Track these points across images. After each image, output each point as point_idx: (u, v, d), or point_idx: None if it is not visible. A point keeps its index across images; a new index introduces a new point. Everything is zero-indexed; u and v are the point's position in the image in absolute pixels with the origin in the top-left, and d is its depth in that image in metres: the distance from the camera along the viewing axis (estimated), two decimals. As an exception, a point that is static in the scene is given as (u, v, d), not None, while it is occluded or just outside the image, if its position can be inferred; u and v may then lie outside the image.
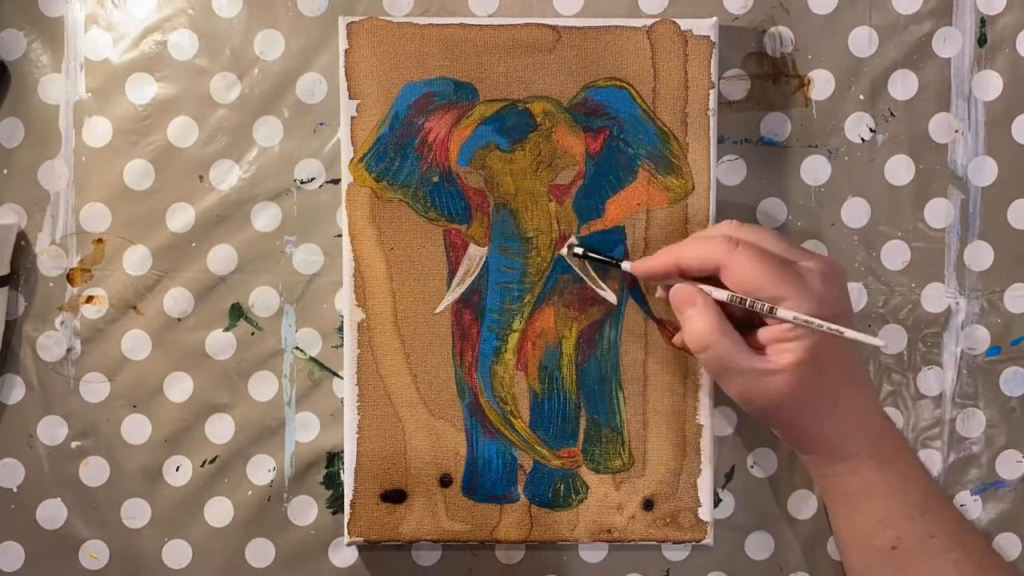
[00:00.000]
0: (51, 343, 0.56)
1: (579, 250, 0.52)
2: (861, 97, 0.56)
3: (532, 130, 0.53)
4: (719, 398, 0.55)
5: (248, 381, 0.56)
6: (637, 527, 0.54)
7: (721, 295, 0.46)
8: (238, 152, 0.56)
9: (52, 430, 0.56)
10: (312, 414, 0.56)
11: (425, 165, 0.53)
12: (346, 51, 0.53)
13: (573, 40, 0.53)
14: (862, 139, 0.56)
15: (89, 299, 0.56)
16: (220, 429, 0.56)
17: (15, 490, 0.56)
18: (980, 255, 0.56)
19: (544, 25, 0.53)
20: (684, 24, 0.53)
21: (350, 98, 0.53)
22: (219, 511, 0.56)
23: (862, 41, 0.56)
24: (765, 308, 0.44)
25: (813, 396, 0.45)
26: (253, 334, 0.56)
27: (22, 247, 0.56)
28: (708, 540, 0.55)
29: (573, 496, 0.54)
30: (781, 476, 0.56)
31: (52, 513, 0.56)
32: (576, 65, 0.53)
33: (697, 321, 0.45)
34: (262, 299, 0.56)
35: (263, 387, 0.56)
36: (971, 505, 0.57)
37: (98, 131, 0.55)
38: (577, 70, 0.53)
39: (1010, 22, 0.56)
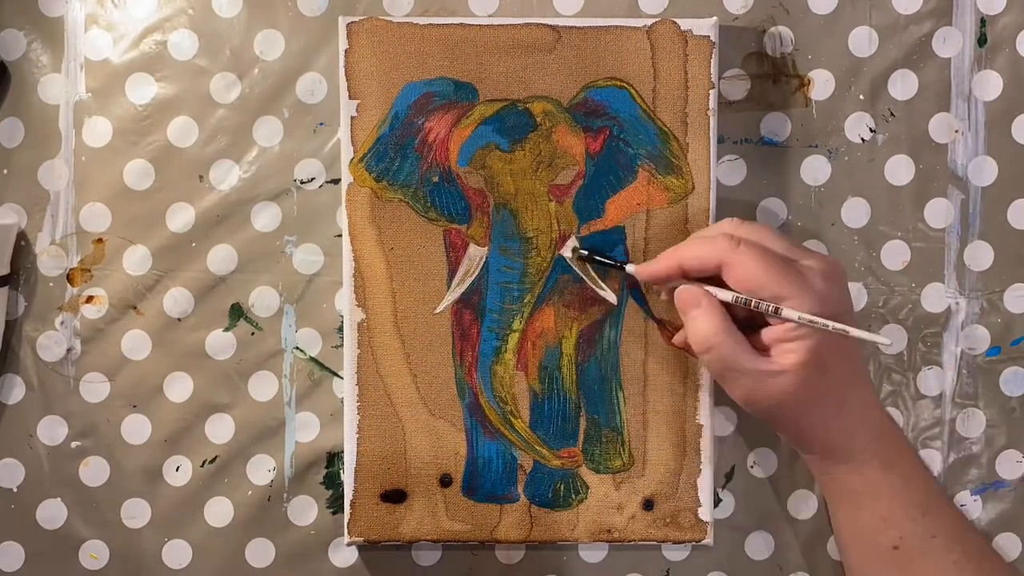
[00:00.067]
0: (51, 343, 0.56)
1: (584, 252, 0.52)
2: (861, 97, 0.56)
3: (532, 130, 0.53)
4: (719, 398, 0.55)
5: (248, 381, 0.56)
6: (637, 527, 0.54)
7: (726, 296, 0.46)
8: (238, 152, 0.56)
9: (52, 430, 0.56)
10: (312, 414, 0.56)
11: (425, 165, 0.53)
12: (346, 51, 0.53)
13: (573, 40, 0.53)
14: (862, 139, 0.56)
15: (89, 299, 0.56)
16: (220, 429, 0.56)
17: (15, 490, 0.56)
18: (980, 255, 0.56)
19: (544, 25, 0.53)
20: (684, 24, 0.53)
21: (350, 98, 0.53)
22: (219, 511, 0.56)
23: (862, 41, 0.56)
24: (770, 308, 0.44)
25: (818, 396, 0.45)
26: (253, 334, 0.56)
27: (22, 247, 0.56)
28: (708, 540, 0.55)
29: (573, 496, 0.54)
30: (781, 476, 0.56)
31: (52, 513, 0.56)
32: (576, 65, 0.53)
33: (701, 322, 0.45)
34: (262, 299, 0.56)
35: (263, 387, 0.56)
36: (971, 505, 0.57)
37: (98, 131, 0.55)
38: (577, 70, 0.53)
39: (1010, 22, 0.56)
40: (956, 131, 0.56)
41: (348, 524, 0.54)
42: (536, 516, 0.54)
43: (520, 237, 0.53)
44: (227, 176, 0.56)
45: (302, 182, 0.56)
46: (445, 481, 0.54)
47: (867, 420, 0.46)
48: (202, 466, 0.56)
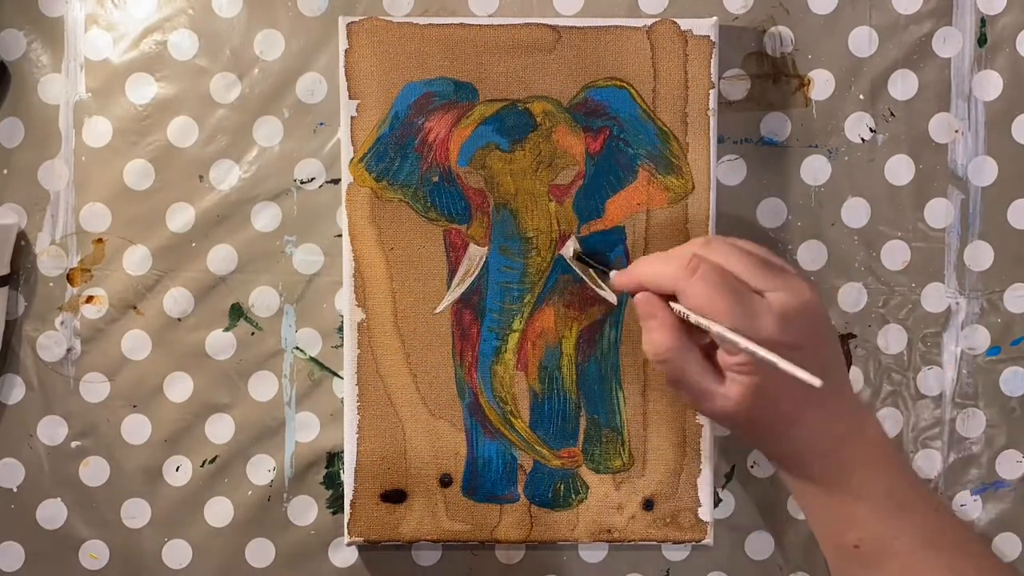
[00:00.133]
0: (51, 343, 0.56)
1: (581, 252, 0.52)
2: (861, 97, 0.56)
3: (532, 130, 0.53)
4: (719, 398, 0.55)
5: (248, 381, 0.56)
6: (637, 527, 0.54)
7: (679, 308, 0.45)
8: (238, 152, 0.56)
9: (52, 430, 0.56)
10: (312, 414, 0.56)
11: (425, 165, 0.53)
12: (346, 51, 0.53)
13: (573, 40, 0.53)
14: (862, 139, 0.56)
15: (89, 299, 0.56)
16: (220, 429, 0.56)
17: (15, 490, 0.56)
18: (980, 255, 0.56)
19: (544, 25, 0.53)
20: (684, 24, 0.53)
21: (350, 98, 0.53)
22: (219, 511, 0.56)
23: (862, 41, 0.56)
24: (717, 332, 0.43)
25: (765, 419, 0.45)
26: (253, 334, 0.56)
27: (22, 247, 0.56)
28: (708, 540, 0.55)
29: (573, 496, 0.54)
30: (782, 475, 0.56)
31: (52, 513, 0.56)
32: (576, 65, 0.53)
33: (656, 334, 0.45)
34: (262, 299, 0.56)
35: (263, 387, 0.56)
36: (971, 505, 0.57)
37: (98, 131, 0.55)
38: (577, 70, 0.53)
39: (1010, 22, 0.56)
40: (956, 131, 0.56)
41: (348, 524, 0.54)
42: (536, 516, 0.54)
43: (520, 237, 0.53)
44: (227, 176, 0.56)
45: (302, 182, 0.56)
46: (445, 481, 0.54)
47: (823, 434, 0.45)
48: (202, 466, 0.56)
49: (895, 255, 0.56)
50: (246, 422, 0.56)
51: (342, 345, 0.54)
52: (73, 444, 0.56)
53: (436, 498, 0.54)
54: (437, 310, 0.54)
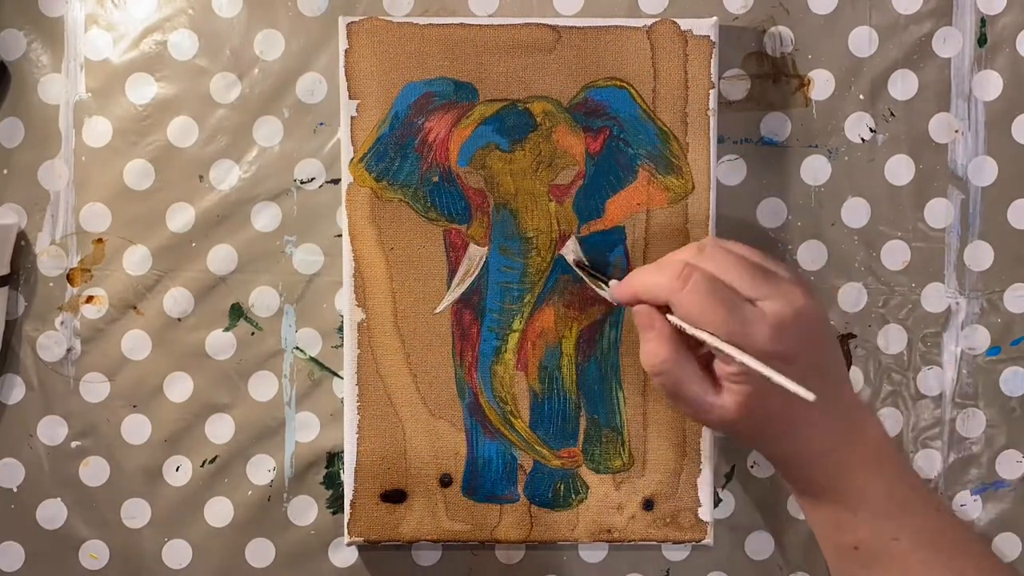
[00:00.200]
0: (51, 343, 0.56)
1: (582, 259, 0.53)
2: (861, 97, 0.56)
3: (532, 130, 0.53)
4: (719, 398, 0.55)
5: (248, 381, 0.56)
6: (637, 527, 0.54)
7: (677, 321, 0.45)
8: (238, 152, 0.56)
9: (52, 430, 0.56)
10: (312, 414, 0.56)
11: (425, 165, 0.53)
12: (346, 51, 0.53)
13: (573, 40, 0.53)
14: (862, 139, 0.56)
15: (89, 299, 0.56)
16: (220, 429, 0.56)
17: (15, 490, 0.56)
18: (980, 255, 0.56)
19: (544, 25, 0.53)
20: (684, 24, 0.53)
21: (350, 98, 0.53)
22: (219, 511, 0.56)
23: (862, 41, 0.56)
24: (713, 344, 0.43)
25: (763, 428, 0.45)
26: (253, 334, 0.56)
27: (22, 247, 0.56)
28: (708, 540, 0.55)
29: (573, 496, 0.54)
30: (781, 476, 0.56)
31: (52, 513, 0.56)
32: (576, 65, 0.53)
33: (652, 346, 0.45)
34: (262, 299, 0.56)
35: (263, 387, 0.56)
36: (971, 505, 0.57)
37: (98, 131, 0.55)
38: (577, 70, 0.53)
39: (1010, 22, 0.56)
40: (956, 131, 0.56)
41: (348, 524, 0.54)
42: (536, 516, 0.54)
43: (520, 237, 0.53)
44: (227, 176, 0.56)
45: (302, 182, 0.56)
46: (445, 481, 0.54)
47: (823, 435, 0.45)
48: (202, 466, 0.56)
49: (895, 255, 0.56)
50: (246, 422, 0.56)
51: (342, 345, 0.54)
52: (73, 444, 0.56)
53: (436, 498, 0.54)
54: (437, 310, 0.54)
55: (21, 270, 0.56)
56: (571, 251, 0.53)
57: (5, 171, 0.55)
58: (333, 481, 0.56)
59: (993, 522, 0.57)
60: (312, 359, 0.56)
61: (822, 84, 0.56)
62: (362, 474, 0.54)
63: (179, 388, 0.56)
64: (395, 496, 0.54)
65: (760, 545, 0.57)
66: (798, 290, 0.44)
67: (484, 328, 0.54)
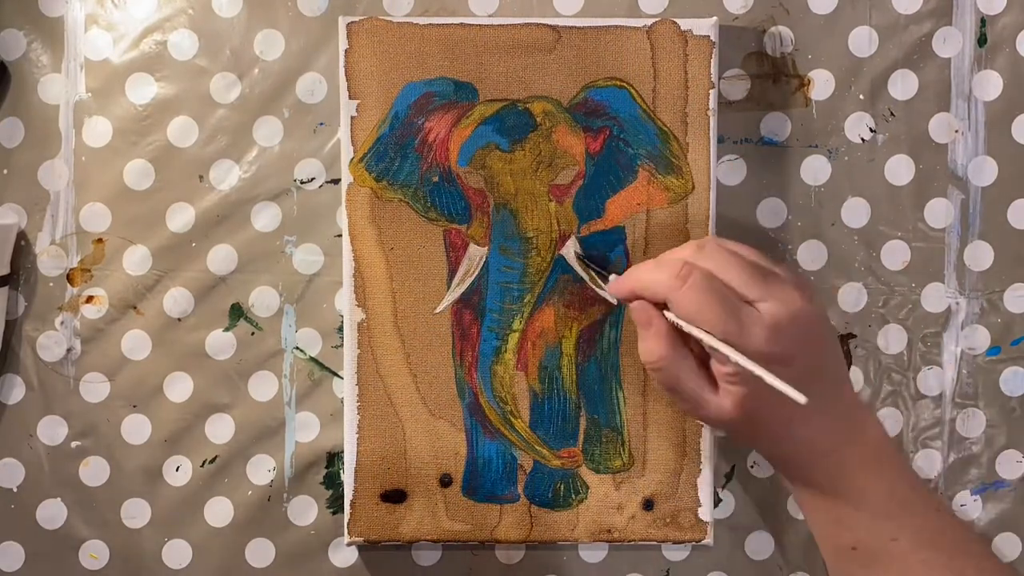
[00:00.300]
0: (51, 343, 0.56)
1: (582, 254, 0.52)
2: (861, 97, 0.56)
3: (532, 130, 0.53)
4: (719, 398, 0.55)
5: (248, 381, 0.56)
6: (637, 527, 0.54)
7: (674, 318, 0.45)
8: (238, 152, 0.56)
9: (52, 430, 0.56)
10: (312, 414, 0.56)
11: (425, 165, 0.53)
12: (346, 51, 0.53)
13: (573, 40, 0.53)
14: (862, 139, 0.56)
15: (89, 299, 0.56)
16: (220, 429, 0.56)
17: (15, 490, 0.56)
18: (980, 255, 0.56)
19: (544, 25, 0.53)
20: (684, 24, 0.53)
21: (350, 98, 0.53)
22: (219, 511, 0.56)
23: (862, 41, 0.56)
24: (710, 343, 0.43)
25: (760, 428, 0.45)
26: (253, 334, 0.56)
27: (22, 247, 0.56)
28: (708, 540, 0.55)
29: (573, 496, 0.54)
30: (781, 476, 0.56)
31: (52, 513, 0.56)
32: (576, 65, 0.53)
33: (650, 342, 0.45)
34: (262, 299, 0.56)
35: (263, 387, 0.56)
36: (971, 505, 0.57)
37: (98, 131, 0.55)
38: (577, 70, 0.53)
39: (1010, 22, 0.56)
40: (956, 131, 0.56)
41: (348, 524, 0.54)
42: (536, 516, 0.54)
43: (520, 237, 0.53)
44: (227, 176, 0.56)
45: (302, 182, 0.56)
46: (445, 481, 0.54)
47: (822, 435, 0.45)
48: (202, 466, 0.56)
49: (895, 255, 0.56)
50: (246, 422, 0.56)
51: (342, 345, 0.54)
52: (73, 444, 0.56)
53: (436, 498, 0.54)
54: (437, 310, 0.54)
55: (21, 270, 0.56)
56: (571, 248, 0.53)
57: (5, 171, 0.55)
58: (333, 481, 0.56)
59: (993, 522, 0.57)
60: (312, 359, 0.56)
61: (822, 84, 0.56)
62: (362, 474, 0.54)
63: (179, 388, 0.56)
64: (395, 496, 0.54)
65: (760, 545, 0.57)
66: (796, 292, 0.44)
67: (484, 328, 0.54)
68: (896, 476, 0.45)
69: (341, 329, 0.55)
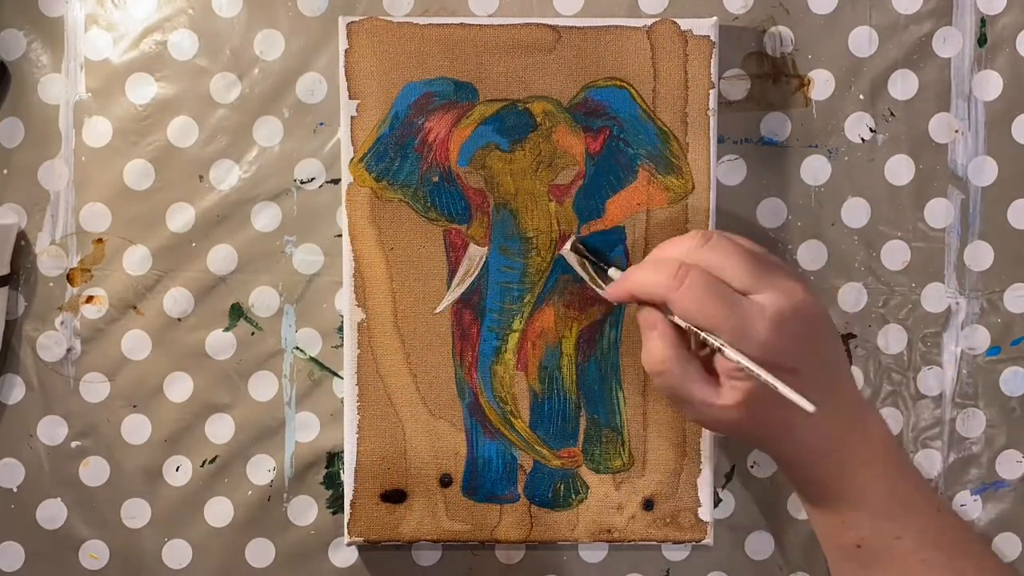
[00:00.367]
0: (51, 343, 0.56)
1: (581, 247, 0.52)
2: (861, 97, 0.56)
3: (532, 130, 0.53)
4: (719, 398, 0.55)
5: (248, 381, 0.56)
6: (637, 527, 0.54)
7: (680, 321, 0.45)
8: (238, 152, 0.56)
9: (52, 430, 0.56)
10: (312, 414, 0.56)
11: (425, 165, 0.53)
12: (346, 51, 0.53)
13: (573, 40, 0.53)
14: (862, 139, 0.56)
15: (89, 299, 0.56)
16: (220, 429, 0.56)
17: (15, 490, 0.56)
18: (980, 255, 0.56)
19: (544, 25, 0.53)
20: (684, 24, 0.53)
21: (350, 98, 0.53)
22: (219, 511, 0.56)
23: (862, 41, 0.56)
24: (714, 345, 0.43)
25: (764, 426, 0.45)
26: (253, 334, 0.56)
27: (22, 247, 0.56)
28: (708, 540, 0.55)
29: (573, 496, 0.54)
30: (781, 476, 0.56)
31: (52, 513, 0.56)
32: (576, 65, 0.53)
33: (653, 346, 0.45)
34: (262, 299, 0.56)
35: (263, 387, 0.56)
36: (971, 505, 0.57)
37: (98, 131, 0.55)
38: (577, 70, 0.53)
39: (1010, 22, 0.56)
40: (956, 131, 0.56)
41: (348, 524, 0.54)
42: (536, 516, 0.54)
43: (520, 237, 0.53)
44: (227, 176, 0.56)
45: (302, 182, 0.56)
46: (445, 481, 0.54)
47: (824, 433, 0.45)
48: (202, 466, 0.56)
49: (895, 255, 0.56)
50: (246, 422, 0.56)
51: (342, 345, 0.54)
52: (73, 444, 0.56)
53: (436, 498, 0.54)
54: (437, 310, 0.54)
55: (21, 270, 0.56)
56: (570, 243, 0.53)
57: (5, 171, 0.55)
58: (333, 481, 0.56)
59: (993, 522, 0.57)
60: (312, 359, 0.56)
61: (822, 84, 0.56)
62: (362, 474, 0.54)
63: (179, 388, 0.56)
64: (395, 496, 0.54)
65: (760, 545, 0.57)
66: (798, 285, 0.44)
67: (484, 328, 0.54)
68: (898, 474, 0.45)
69: (341, 329, 0.55)
